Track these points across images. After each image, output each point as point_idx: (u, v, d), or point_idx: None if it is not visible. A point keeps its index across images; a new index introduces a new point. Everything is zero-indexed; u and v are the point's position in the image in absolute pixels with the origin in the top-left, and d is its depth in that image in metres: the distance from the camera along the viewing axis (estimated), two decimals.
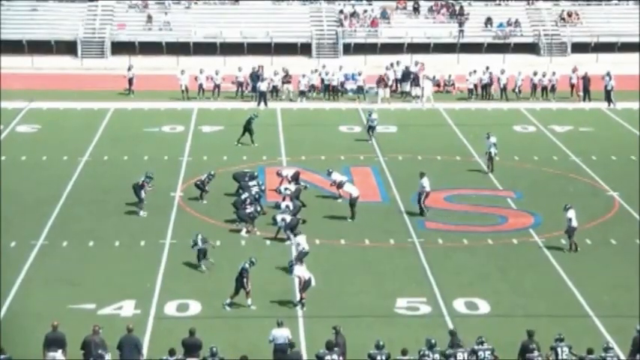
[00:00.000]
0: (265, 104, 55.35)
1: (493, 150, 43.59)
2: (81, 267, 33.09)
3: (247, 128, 47.34)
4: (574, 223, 35.05)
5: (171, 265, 33.24)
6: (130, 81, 57.92)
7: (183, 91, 56.86)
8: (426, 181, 38.41)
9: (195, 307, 30.11)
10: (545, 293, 31.41)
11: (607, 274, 32.94)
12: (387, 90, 57.67)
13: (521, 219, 38.18)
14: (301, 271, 30.29)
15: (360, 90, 57.88)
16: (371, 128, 48.76)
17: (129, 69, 58.35)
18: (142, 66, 61.02)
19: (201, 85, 57.04)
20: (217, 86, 57.27)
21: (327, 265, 33.22)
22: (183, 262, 33.47)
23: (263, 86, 56.02)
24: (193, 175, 41.93)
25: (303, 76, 57.66)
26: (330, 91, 57.82)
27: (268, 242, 35.42)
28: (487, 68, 58.47)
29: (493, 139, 43.70)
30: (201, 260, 33.01)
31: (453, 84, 60.17)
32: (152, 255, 34.05)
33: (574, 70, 58.74)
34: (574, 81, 58.23)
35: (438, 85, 59.71)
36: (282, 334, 26.54)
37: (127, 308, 29.89)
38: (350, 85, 58.16)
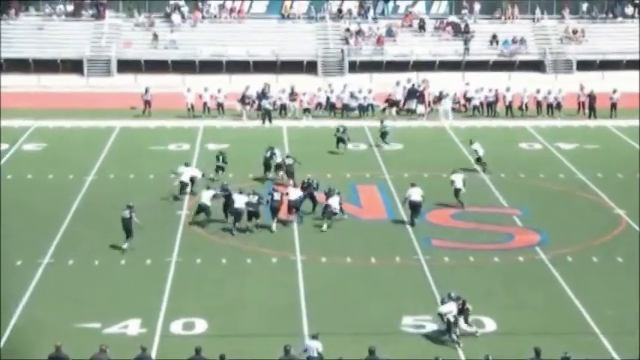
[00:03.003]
0: (270, 121, 55.44)
1: (480, 152, 45.36)
2: (87, 285, 33.08)
3: (339, 138, 49.32)
4: (457, 185, 40.13)
5: (177, 284, 33.21)
6: (148, 103, 57.75)
7: (189, 109, 56.99)
8: (415, 192, 38.76)
9: (201, 326, 30.05)
10: (552, 311, 31.35)
11: (613, 292, 32.83)
12: (394, 109, 57.87)
13: (527, 236, 38.13)
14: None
15: (368, 107, 57.93)
16: (384, 135, 50.17)
17: (146, 91, 58.06)
18: (147, 84, 60.98)
19: (205, 104, 57.16)
20: (220, 104, 57.30)
21: (333, 283, 33.19)
22: (189, 280, 33.47)
23: (268, 104, 56.18)
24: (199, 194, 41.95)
25: (304, 94, 57.78)
26: (337, 109, 57.90)
27: (274, 260, 35.39)
28: (465, 84, 58.48)
29: (477, 145, 45.60)
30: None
31: (458, 101, 60.24)
32: (158, 273, 34.03)
33: (581, 88, 58.80)
34: (582, 98, 58.30)
35: (458, 103, 59.80)
36: (313, 345, 26.65)
37: (133, 327, 29.84)
38: (354, 103, 58.23)
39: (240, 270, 34.32)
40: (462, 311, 29.14)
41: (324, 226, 38.49)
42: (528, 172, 46.68)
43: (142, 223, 36.17)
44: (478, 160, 46.39)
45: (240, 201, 38.17)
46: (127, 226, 35.80)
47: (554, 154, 50.31)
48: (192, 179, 42.35)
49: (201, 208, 38.70)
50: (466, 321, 29.30)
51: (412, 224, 38.88)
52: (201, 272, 34.25)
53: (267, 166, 44.93)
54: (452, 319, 28.77)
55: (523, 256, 36.00)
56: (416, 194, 39.01)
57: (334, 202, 38.64)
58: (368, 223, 39.33)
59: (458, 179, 41.17)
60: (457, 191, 40.90)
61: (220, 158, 45.21)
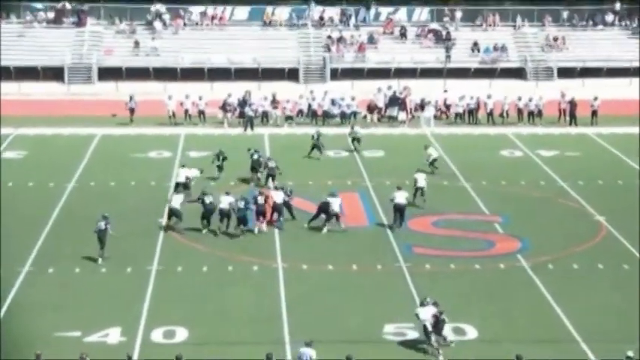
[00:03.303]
0: (252, 129, 55.41)
1: (434, 154, 46.58)
2: (67, 294, 32.90)
3: (314, 145, 49.46)
4: (420, 184, 41.58)
5: (157, 292, 33.05)
6: (132, 110, 57.61)
7: (170, 116, 56.91)
8: (400, 195, 39.24)
9: (182, 334, 29.91)
10: (533, 318, 31.33)
11: (594, 299, 32.86)
12: (375, 115, 58.00)
13: (508, 244, 38.15)
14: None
15: (351, 115, 57.98)
16: (355, 140, 50.76)
17: (130, 99, 57.78)
18: (128, 91, 60.92)
19: (187, 111, 57.12)
20: (202, 112, 57.25)
21: (314, 291, 33.11)
22: (170, 288, 33.34)
23: (251, 111, 56.20)
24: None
25: (287, 101, 57.85)
26: (318, 116, 57.97)
27: (255, 267, 35.32)
28: (443, 91, 58.64)
29: (431, 150, 46.79)
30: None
31: (440, 109, 60.35)
32: (139, 281, 33.86)
33: (562, 95, 58.97)
34: (563, 106, 58.48)
35: (439, 110, 59.91)
36: (307, 352, 26.77)
37: (114, 335, 29.68)
38: (335, 110, 58.23)
39: (222, 278, 34.22)
40: (437, 322, 29.02)
41: (324, 230, 38.73)
42: (509, 179, 46.75)
43: (118, 234, 35.85)
44: (432, 162, 46.62)
45: (225, 202, 38.46)
46: (102, 238, 35.42)
47: (535, 162, 50.42)
48: (187, 180, 42.44)
49: (172, 212, 38.82)
50: (439, 332, 29.18)
51: (392, 228, 38.95)
52: (182, 280, 34.11)
53: (254, 168, 45.09)
54: (429, 327, 28.73)
55: (504, 264, 36.01)
56: (400, 197, 39.19)
57: (335, 204, 39.02)
58: (349, 230, 39.25)
59: (420, 178, 42.30)
60: (419, 190, 41.91)
61: (220, 158, 45.58)
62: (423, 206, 41.59)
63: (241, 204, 38.33)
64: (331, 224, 38.98)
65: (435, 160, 46.91)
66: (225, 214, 38.43)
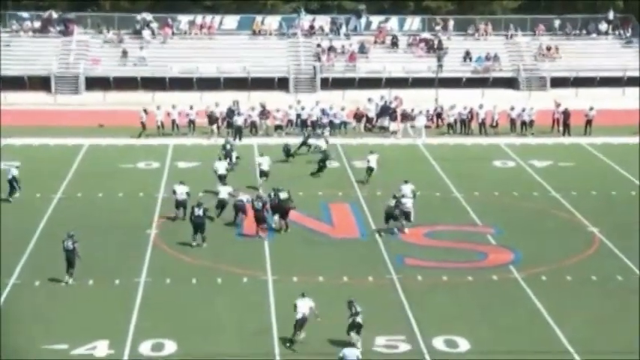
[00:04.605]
0: (240, 139, 55.43)
1: (373, 164, 47.24)
2: (54, 306, 32.84)
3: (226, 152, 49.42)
4: (371, 164, 46.46)
5: (146, 304, 32.99)
6: (173, 122, 57.38)
7: (158, 127, 56.99)
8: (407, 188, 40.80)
9: (170, 347, 29.86)
10: (526, 330, 31.34)
11: (587, 311, 32.87)
12: (361, 125, 57.98)
13: (501, 255, 38.20)
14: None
15: (341, 125, 58.05)
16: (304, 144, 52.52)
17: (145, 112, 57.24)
18: (116, 101, 61.03)
19: (174, 121, 57.16)
20: (192, 122, 57.29)
21: None
22: (158, 300, 33.30)
23: (239, 121, 56.27)
24: (169, 212, 42.12)
25: (278, 110, 57.88)
26: (308, 126, 58.02)
27: (245, 279, 35.31)
28: (434, 101, 58.73)
29: (372, 156, 47.49)
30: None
31: (431, 119, 60.48)
32: (127, 294, 33.81)
33: (557, 105, 59.11)
34: (557, 115, 58.61)
35: (432, 120, 60.02)
36: (352, 352, 27.23)
37: (101, 348, 29.62)
38: (325, 120, 58.31)
39: (211, 290, 34.19)
40: (354, 325, 29.44)
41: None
42: (502, 190, 46.87)
43: (82, 255, 35.02)
44: (369, 169, 47.43)
45: (224, 192, 41.30)
46: (70, 258, 34.70)
47: (528, 172, 50.54)
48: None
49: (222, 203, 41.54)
50: (356, 332, 29.57)
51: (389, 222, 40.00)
52: (171, 292, 34.08)
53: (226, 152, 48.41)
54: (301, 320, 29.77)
55: (497, 275, 36.04)
56: (406, 188, 41.11)
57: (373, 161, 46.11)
58: (340, 242, 39.36)
59: (373, 159, 46.98)
60: (370, 169, 46.81)
61: (228, 146, 49.02)
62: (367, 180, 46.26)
63: (244, 197, 40.50)
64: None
65: (370, 168, 47.43)
66: (224, 204, 41.14)
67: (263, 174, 46.54)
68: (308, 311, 29.99)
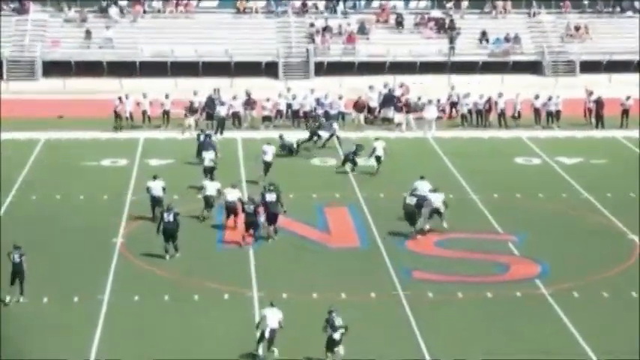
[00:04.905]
0: (221, 133, 55.10)
1: (381, 152, 48.37)
2: (3, 326, 32.37)
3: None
4: (378, 153, 48.23)
5: (110, 325, 32.69)
6: (144, 113, 57.39)
7: (127, 118, 57.00)
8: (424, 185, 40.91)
9: None
10: (554, 355, 31.00)
11: (627, 334, 32.43)
12: (361, 115, 57.73)
13: (525, 267, 38.06)
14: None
15: (338, 116, 57.73)
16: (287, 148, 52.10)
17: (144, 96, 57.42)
18: (78, 89, 60.90)
19: (145, 112, 57.14)
20: (166, 112, 57.06)
21: (296, 324, 32.55)
22: (124, 321, 32.98)
23: (223, 111, 56.04)
24: (138, 218, 42.04)
25: (268, 99, 57.74)
26: (300, 117, 57.83)
27: (226, 296, 35.04)
28: (450, 89, 58.49)
29: (380, 144, 48.60)
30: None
31: (443, 109, 60.33)
32: (87, 313, 33.46)
33: (589, 93, 58.95)
34: (589, 105, 58.57)
35: (443, 111, 59.81)
36: None
37: None
38: (320, 111, 57.98)
39: (186, 309, 33.93)
40: (331, 342, 29.64)
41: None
42: (526, 191, 46.82)
43: (36, 269, 34.93)
44: (377, 159, 48.68)
45: (212, 188, 41.85)
46: (18, 271, 34.34)
47: (556, 170, 50.63)
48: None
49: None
50: (331, 350, 29.87)
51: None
52: (140, 312, 33.79)
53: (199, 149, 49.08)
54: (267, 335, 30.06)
55: (520, 291, 35.81)
56: (437, 200, 40.67)
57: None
58: (337, 252, 39.21)
59: (379, 147, 48.42)
60: (378, 159, 48.33)
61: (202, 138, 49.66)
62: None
63: (249, 207, 39.53)
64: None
65: (379, 157, 48.66)
66: (232, 209, 40.64)
67: (266, 166, 46.90)
68: (277, 325, 30.10)
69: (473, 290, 35.80)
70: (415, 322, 33.06)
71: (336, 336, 29.49)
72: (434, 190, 41.38)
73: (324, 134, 53.62)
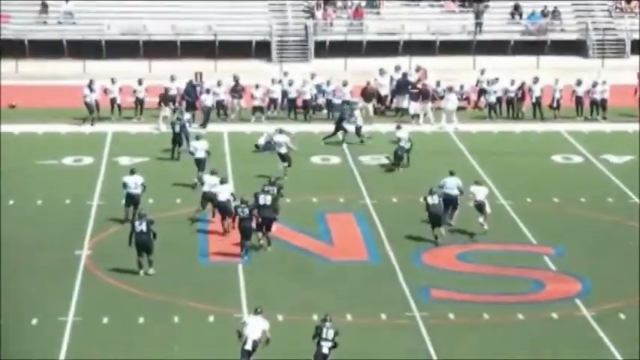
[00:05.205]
0: (205, 125, 55.46)
1: (405, 144, 49.69)
2: None
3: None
4: (404, 144, 49.53)
5: (74, 352, 32.88)
6: (112, 102, 57.73)
7: (92, 108, 56.80)
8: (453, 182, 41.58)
9: None
10: None
11: None
12: (370, 105, 58.09)
13: (563, 285, 38.36)
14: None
15: (343, 106, 58.10)
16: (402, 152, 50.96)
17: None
18: (34, 73, 61.08)
19: (114, 100, 57.18)
20: (139, 101, 57.35)
21: (293, 351, 33.11)
22: (91, 347, 33.20)
23: (209, 101, 56.24)
24: (106, 226, 42.24)
25: (257, 86, 57.91)
26: (297, 107, 58.13)
27: (211, 318, 35.36)
28: (479, 73, 58.88)
29: (404, 132, 50.09)
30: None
31: (467, 97, 60.55)
32: (48, 338, 33.67)
33: None
34: None
35: (467, 100, 60.11)
36: None
37: None
38: (321, 99, 58.40)
39: (165, 332, 34.21)
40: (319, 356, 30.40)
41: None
42: (564, 195, 47.15)
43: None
44: (408, 151, 50.40)
45: (226, 192, 41.69)
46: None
47: (601, 170, 50.90)
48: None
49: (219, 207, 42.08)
50: None
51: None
52: (110, 335, 34.05)
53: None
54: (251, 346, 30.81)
55: (558, 312, 36.12)
56: (481, 194, 42.02)
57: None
58: (342, 266, 39.50)
59: (404, 135, 50.31)
60: (405, 150, 50.06)
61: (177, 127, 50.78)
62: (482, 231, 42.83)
63: (243, 211, 39.76)
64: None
65: (408, 150, 50.38)
66: (225, 208, 41.33)
67: (283, 159, 47.67)
68: (260, 335, 30.62)
69: (501, 312, 36.02)
70: (434, 349, 33.26)
71: (324, 350, 30.05)
72: (477, 183, 42.45)
73: (350, 127, 54.03)
